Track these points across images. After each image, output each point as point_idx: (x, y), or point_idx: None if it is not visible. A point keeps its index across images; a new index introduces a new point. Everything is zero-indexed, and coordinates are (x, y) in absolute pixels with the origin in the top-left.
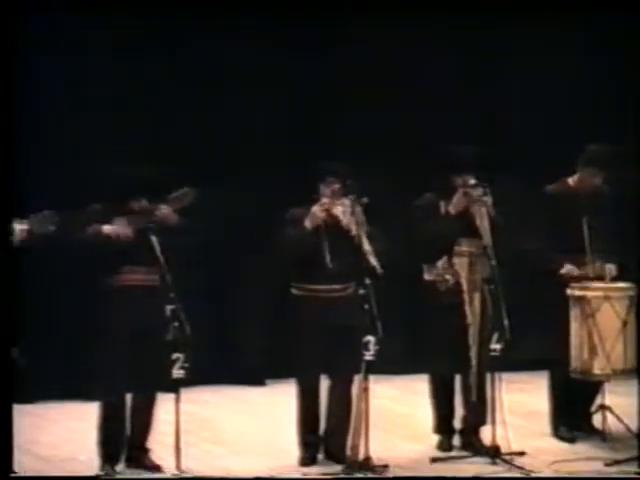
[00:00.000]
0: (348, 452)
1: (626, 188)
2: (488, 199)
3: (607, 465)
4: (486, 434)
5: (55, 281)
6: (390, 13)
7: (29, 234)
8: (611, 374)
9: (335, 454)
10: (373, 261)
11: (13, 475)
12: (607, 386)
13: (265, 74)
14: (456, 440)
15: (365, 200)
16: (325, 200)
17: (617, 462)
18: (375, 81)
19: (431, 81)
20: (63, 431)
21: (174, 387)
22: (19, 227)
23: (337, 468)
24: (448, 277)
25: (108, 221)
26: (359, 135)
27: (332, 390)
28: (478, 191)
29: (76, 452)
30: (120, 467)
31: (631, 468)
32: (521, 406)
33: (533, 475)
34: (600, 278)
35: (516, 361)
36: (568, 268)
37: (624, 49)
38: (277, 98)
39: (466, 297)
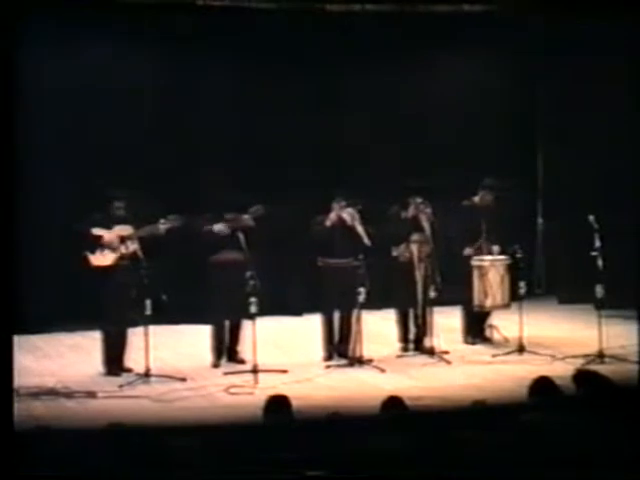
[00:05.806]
0: (350, 353)
1: (506, 204)
2: (429, 210)
3: (492, 357)
4: (427, 342)
5: (182, 255)
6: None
7: (169, 228)
8: (495, 307)
9: (343, 354)
10: (366, 240)
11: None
12: (493, 314)
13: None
14: (410, 346)
15: (360, 207)
16: (337, 210)
17: (496, 355)
18: (365, 140)
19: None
20: (192, 340)
21: (251, 316)
22: (163, 226)
23: (344, 362)
24: (406, 254)
25: (215, 223)
26: (357, 174)
27: (341, 318)
28: (422, 205)
29: (200, 353)
30: (223, 360)
31: (507, 358)
32: (446, 325)
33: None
34: (489, 253)
35: (443, 301)
36: (475, 246)
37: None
38: (308, 153)
39: (416, 265)
